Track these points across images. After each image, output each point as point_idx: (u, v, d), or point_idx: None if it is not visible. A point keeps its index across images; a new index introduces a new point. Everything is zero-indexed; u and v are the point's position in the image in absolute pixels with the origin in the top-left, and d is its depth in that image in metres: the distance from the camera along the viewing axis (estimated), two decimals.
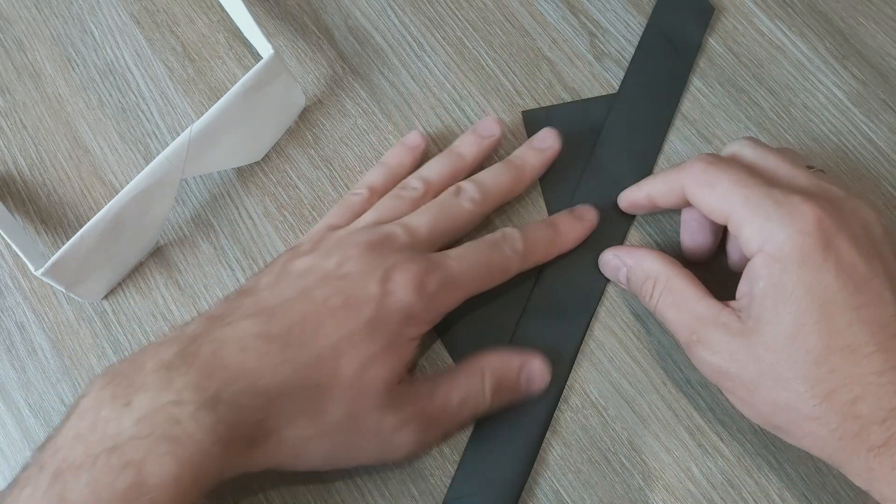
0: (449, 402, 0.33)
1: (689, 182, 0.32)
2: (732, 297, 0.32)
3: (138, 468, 0.26)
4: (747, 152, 0.33)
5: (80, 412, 0.28)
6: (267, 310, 0.31)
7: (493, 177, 0.38)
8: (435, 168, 0.38)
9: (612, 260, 0.36)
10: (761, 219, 0.29)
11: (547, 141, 0.39)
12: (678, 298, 0.32)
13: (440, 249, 0.35)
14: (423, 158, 0.40)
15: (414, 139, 0.40)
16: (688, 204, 0.33)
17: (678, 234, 0.38)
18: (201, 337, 0.30)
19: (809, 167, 0.32)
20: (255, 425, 0.29)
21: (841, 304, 0.28)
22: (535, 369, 0.35)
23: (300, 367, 0.30)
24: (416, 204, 0.37)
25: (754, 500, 0.34)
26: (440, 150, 0.40)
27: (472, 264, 0.34)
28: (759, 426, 0.33)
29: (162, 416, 0.28)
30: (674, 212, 0.39)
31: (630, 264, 0.35)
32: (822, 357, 0.28)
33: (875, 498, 0.28)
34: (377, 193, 0.38)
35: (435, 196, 0.38)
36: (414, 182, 0.38)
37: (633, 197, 0.37)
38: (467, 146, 0.39)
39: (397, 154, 0.40)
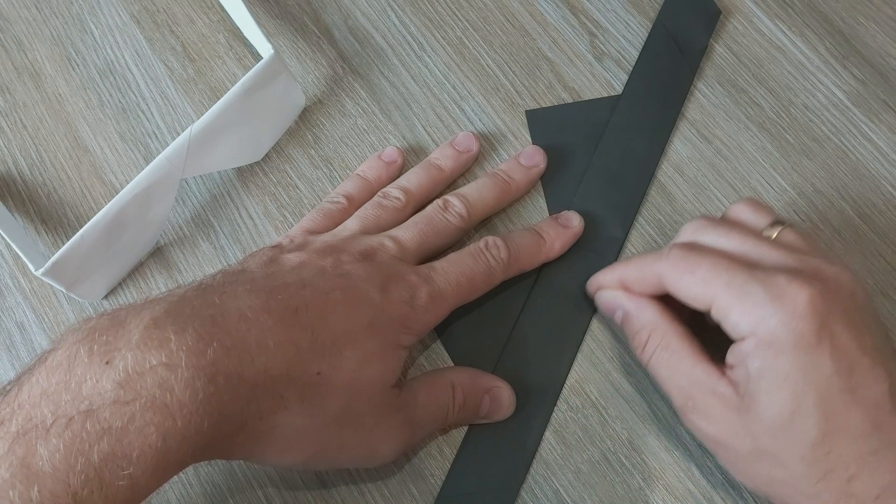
0: (428, 412, 0.34)
1: (666, 269, 0.31)
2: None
3: (118, 438, 0.24)
4: (707, 237, 0.32)
5: (50, 367, 0.25)
6: (266, 288, 0.30)
7: (479, 192, 0.38)
8: (415, 179, 0.39)
9: (611, 301, 0.34)
10: (749, 303, 0.28)
11: (534, 158, 0.39)
12: (674, 359, 0.31)
13: (425, 261, 0.35)
14: (399, 173, 0.40)
15: (391, 154, 0.40)
16: (660, 293, 0.32)
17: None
18: (195, 300, 0.28)
19: (777, 222, 0.32)
20: (251, 406, 0.27)
21: (836, 386, 0.27)
22: (502, 397, 0.35)
23: (303, 350, 0.29)
24: (398, 213, 0.37)
25: (754, 500, 0.34)
26: (438, 150, 0.40)
27: (456, 277, 0.34)
28: (752, 492, 0.33)
29: (150, 379, 0.25)
30: (675, 212, 0.39)
31: (629, 310, 0.33)
32: (819, 440, 0.28)
33: None
34: (355, 204, 0.38)
35: (416, 207, 0.38)
36: (395, 192, 0.38)
37: (602, 280, 0.35)
38: (446, 159, 0.39)
39: (374, 167, 0.40)
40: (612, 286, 0.34)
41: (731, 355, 0.29)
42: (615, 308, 0.34)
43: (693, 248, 0.31)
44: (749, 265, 0.29)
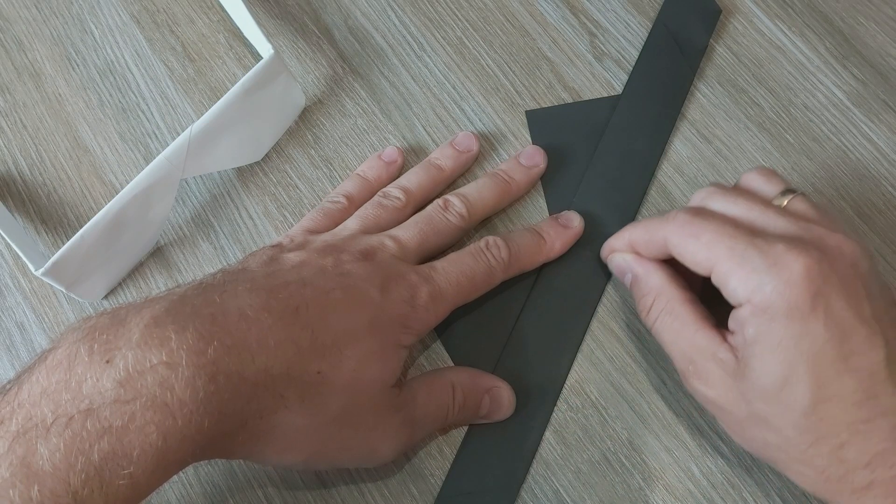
0: (427, 411, 0.34)
1: (672, 232, 0.31)
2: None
3: (118, 437, 0.24)
4: (716, 203, 0.32)
5: (50, 366, 0.25)
6: (266, 287, 0.30)
7: (480, 192, 0.38)
8: (415, 179, 0.39)
9: (622, 264, 0.35)
10: (747, 270, 0.29)
11: (534, 158, 0.39)
12: (677, 324, 0.32)
13: (425, 261, 0.35)
14: (399, 173, 0.40)
15: (391, 154, 0.40)
16: (667, 256, 0.33)
17: None
18: (195, 299, 0.28)
19: (787, 190, 0.32)
20: (252, 405, 0.27)
21: (829, 354, 0.27)
22: (502, 397, 0.35)
23: (304, 349, 0.29)
24: (398, 213, 0.37)
25: (754, 500, 0.34)
26: (439, 150, 0.40)
27: (457, 277, 0.34)
28: (750, 454, 0.33)
29: (150, 378, 0.25)
30: None
31: (637, 274, 0.34)
32: (810, 407, 0.28)
33: None
34: (355, 204, 0.38)
35: (416, 206, 0.38)
36: (395, 192, 0.38)
37: (614, 243, 0.35)
38: (446, 159, 0.39)
39: (375, 167, 0.40)
40: (622, 249, 0.35)
41: (732, 321, 0.30)
42: (625, 271, 0.35)
43: (699, 212, 0.31)
44: (753, 232, 0.30)
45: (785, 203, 0.31)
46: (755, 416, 0.29)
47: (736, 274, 0.29)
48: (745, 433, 0.30)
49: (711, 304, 0.32)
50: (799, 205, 0.31)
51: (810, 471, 0.29)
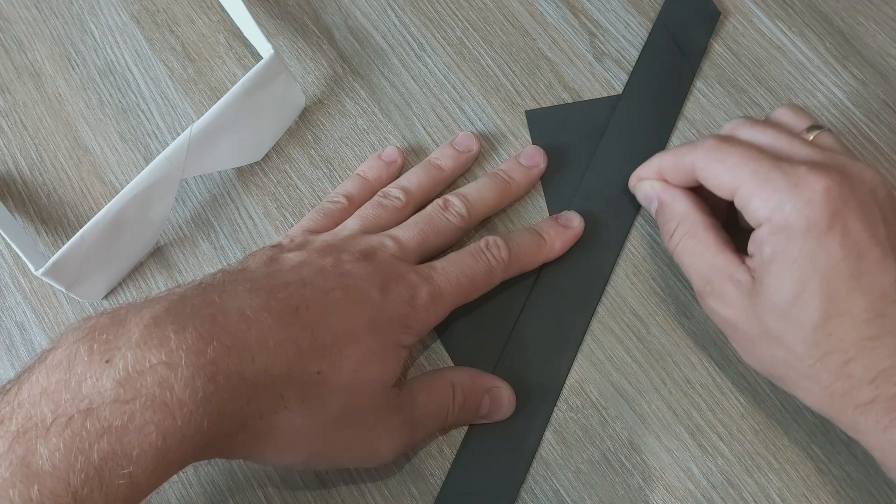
0: (427, 411, 0.34)
1: (699, 157, 0.32)
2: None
3: (118, 437, 0.24)
4: (744, 132, 0.33)
5: (50, 366, 0.25)
6: (266, 288, 0.30)
7: (480, 192, 0.38)
8: (415, 179, 0.39)
9: (649, 191, 0.36)
10: (769, 190, 0.30)
11: (534, 158, 0.39)
12: (699, 247, 0.33)
13: (425, 261, 0.35)
14: (399, 173, 0.40)
15: (391, 154, 0.40)
16: (694, 183, 0.34)
17: None
18: (195, 299, 0.28)
19: (815, 126, 0.33)
20: (251, 405, 0.27)
21: (843, 272, 0.28)
22: (502, 397, 0.35)
23: (304, 349, 0.29)
24: (398, 213, 0.37)
25: (754, 500, 0.34)
26: (439, 150, 0.40)
27: (457, 277, 0.34)
28: (757, 372, 0.34)
29: (150, 378, 0.25)
30: None
31: (663, 200, 0.35)
32: (820, 322, 0.29)
33: (862, 445, 0.30)
34: (355, 204, 0.38)
35: (416, 206, 0.38)
36: (395, 192, 0.38)
37: (642, 171, 0.36)
38: (446, 159, 0.39)
39: (374, 167, 0.40)
40: (650, 177, 0.35)
41: (751, 243, 0.31)
42: (652, 198, 0.35)
43: (727, 139, 0.32)
44: (777, 158, 0.30)
45: (811, 137, 0.32)
46: (767, 334, 0.30)
47: (758, 195, 0.30)
48: (755, 351, 0.31)
49: (733, 235, 0.33)
50: (825, 139, 0.32)
51: (816, 386, 0.29)
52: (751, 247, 0.31)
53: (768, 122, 0.34)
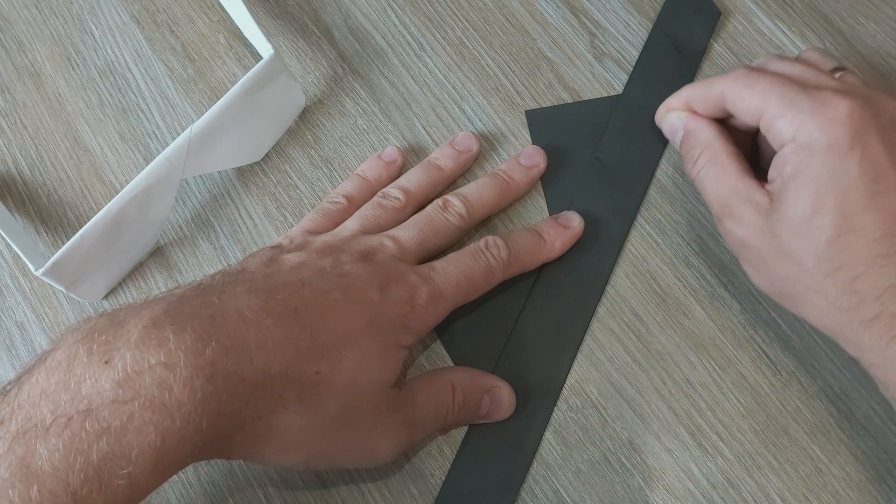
0: (427, 411, 0.34)
1: (728, 83, 0.33)
2: None
3: (117, 437, 0.24)
4: (774, 65, 0.34)
5: (49, 367, 0.25)
6: (265, 288, 0.30)
7: (479, 192, 0.38)
8: (414, 179, 0.39)
9: (675, 121, 0.36)
10: (795, 111, 0.30)
11: (534, 158, 0.39)
12: (720, 173, 0.33)
13: (425, 261, 0.35)
14: (399, 173, 0.40)
15: (391, 154, 0.40)
16: (721, 114, 0.34)
17: (678, 233, 0.38)
18: (194, 300, 0.28)
19: (839, 68, 0.34)
20: (250, 405, 0.27)
21: (859, 190, 0.29)
22: (502, 397, 0.35)
23: (302, 350, 0.29)
24: (398, 213, 0.37)
25: (754, 500, 0.34)
26: (439, 150, 0.40)
27: (456, 277, 0.34)
28: (766, 294, 0.34)
29: (149, 379, 0.25)
30: (675, 212, 0.39)
31: (689, 128, 0.35)
32: (833, 237, 0.29)
33: (863, 365, 0.31)
34: (354, 204, 0.38)
35: (416, 207, 0.38)
36: (395, 192, 0.38)
37: (671, 102, 0.37)
38: (446, 159, 0.39)
39: (374, 167, 0.40)
40: (678, 108, 0.36)
41: (772, 168, 0.32)
42: (677, 129, 0.36)
43: (757, 69, 0.34)
44: (805, 85, 0.31)
45: (837, 76, 0.33)
46: (780, 251, 0.31)
47: (784, 115, 0.31)
48: (767, 270, 0.32)
49: (755, 167, 0.34)
50: (851, 77, 0.33)
51: (824, 301, 0.30)
52: (771, 172, 0.32)
53: (797, 59, 0.35)
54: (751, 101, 0.32)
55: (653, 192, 0.40)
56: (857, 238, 0.29)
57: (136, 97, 0.43)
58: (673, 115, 0.37)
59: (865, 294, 0.29)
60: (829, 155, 0.30)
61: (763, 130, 0.32)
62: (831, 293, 0.30)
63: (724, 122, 0.35)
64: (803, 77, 0.33)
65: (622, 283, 0.38)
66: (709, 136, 0.35)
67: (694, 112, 0.36)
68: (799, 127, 0.30)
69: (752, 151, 0.36)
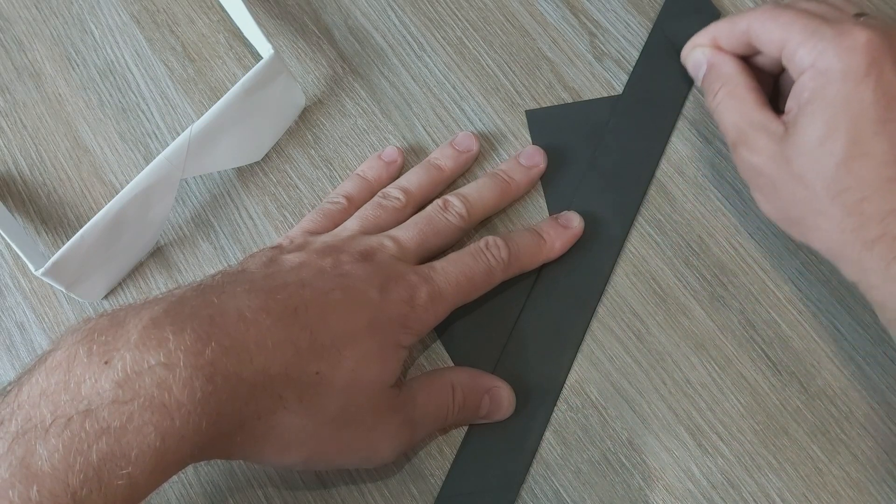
0: (427, 411, 0.34)
1: (754, 16, 0.34)
2: None
3: (117, 437, 0.24)
4: (801, 3, 0.34)
5: (49, 367, 0.25)
6: (265, 289, 0.30)
7: (480, 192, 0.38)
8: (414, 179, 0.39)
9: (699, 56, 0.37)
10: (815, 39, 0.31)
11: (534, 158, 0.39)
12: (739, 105, 0.34)
13: (425, 261, 0.35)
14: (399, 173, 0.40)
15: (391, 154, 0.40)
16: (746, 50, 0.35)
17: (678, 233, 0.38)
18: (194, 300, 0.28)
19: (860, 14, 0.34)
20: (250, 405, 0.27)
21: (871, 116, 0.30)
22: (501, 397, 0.35)
23: (302, 350, 0.29)
24: (398, 213, 0.37)
25: (754, 500, 0.34)
26: (439, 150, 0.40)
27: (456, 277, 0.34)
28: (773, 221, 0.35)
29: (148, 379, 0.25)
30: (675, 212, 0.39)
31: (712, 62, 0.36)
32: (843, 160, 0.30)
33: (862, 289, 0.31)
34: (355, 204, 0.38)
35: (416, 207, 0.38)
36: (395, 192, 0.38)
37: (697, 39, 0.37)
38: (446, 159, 0.39)
39: (374, 167, 0.40)
40: (704, 44, 0.37)
41: (790, 98, 0.32)
42: (701, 64, 0.37)
43: (783, 4, 0.34)
44: (828, 19, 0.32)
45: (861, 19, 0.34)
46: (791, 175, 0.32)
47: (805, 44, 0.31)
48: (776, 195, 0.33)
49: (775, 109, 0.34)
50: (873, 20, 0.33)
51: (829, 223, 0.31)
52: (789, 102, 0.32)
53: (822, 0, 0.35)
54: (775, 32, 0.33)
55: (653, 192, 0.40)
56: (865, 162, 0.30)
57: (136, 97, 0.43)
58: (698, 51, 0.37)
59: (870, 216, 0.30)
60: (844, 81, 0.30)
61: (785, 62, 0.33)
62: (837, 214, 0.31)
63: (749, 61, 0.36)
64: (827, 13, 0.33)
65: (622, 283, 0.38)
66: (730, 70, 0.35)
67: (719, 48, 0.36)
68: (819, 54, 0.31)
69: (774, 93, 0.37)
